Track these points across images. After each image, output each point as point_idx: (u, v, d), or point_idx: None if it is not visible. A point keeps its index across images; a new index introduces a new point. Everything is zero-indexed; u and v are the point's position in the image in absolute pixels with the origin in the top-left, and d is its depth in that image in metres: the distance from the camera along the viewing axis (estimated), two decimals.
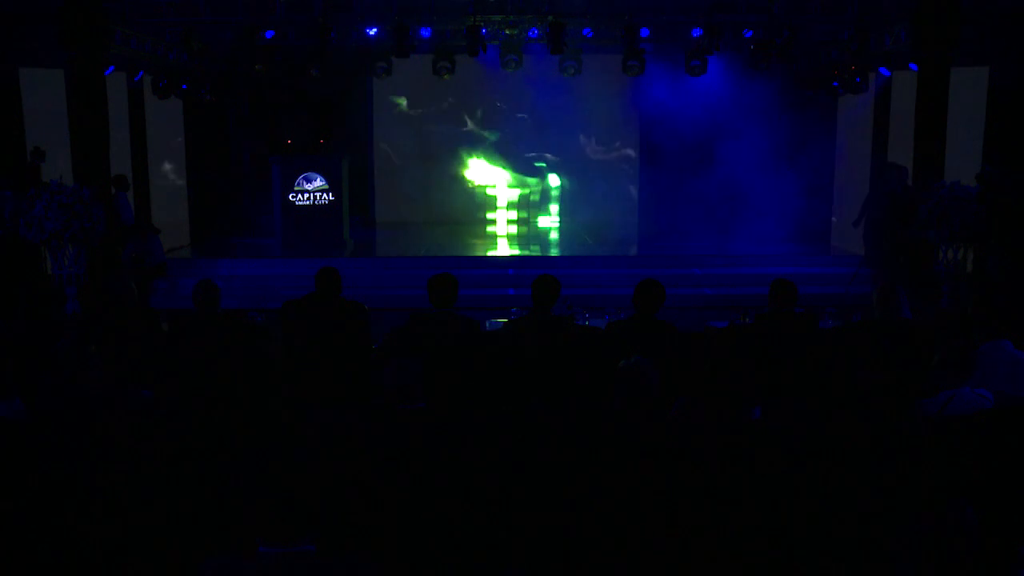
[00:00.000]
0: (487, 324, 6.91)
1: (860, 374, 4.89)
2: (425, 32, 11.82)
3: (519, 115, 15.64)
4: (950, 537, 2.60)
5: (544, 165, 15.43)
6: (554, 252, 13.38)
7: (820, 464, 3.73)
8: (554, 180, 15.18)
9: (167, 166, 13.89)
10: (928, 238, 10.10)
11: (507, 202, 15.15)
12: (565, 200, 16.02)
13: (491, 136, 15.87)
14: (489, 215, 15.30)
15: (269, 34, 11.72)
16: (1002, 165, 10.18)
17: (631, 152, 15.81)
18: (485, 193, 15.59)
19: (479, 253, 13.30)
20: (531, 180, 15.55)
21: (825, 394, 4.92)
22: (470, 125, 15.93)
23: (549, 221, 15.34)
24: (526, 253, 13.20)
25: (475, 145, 15.89)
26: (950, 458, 3.72)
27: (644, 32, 11.74)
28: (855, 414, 4.03)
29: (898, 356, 5.36)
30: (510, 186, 15.57)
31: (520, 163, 15.75)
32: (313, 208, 12.94)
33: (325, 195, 12.98)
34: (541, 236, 14.79)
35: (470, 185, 15.98)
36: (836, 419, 4.10)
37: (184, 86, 13.32)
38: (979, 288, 9.51)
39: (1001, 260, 9.61)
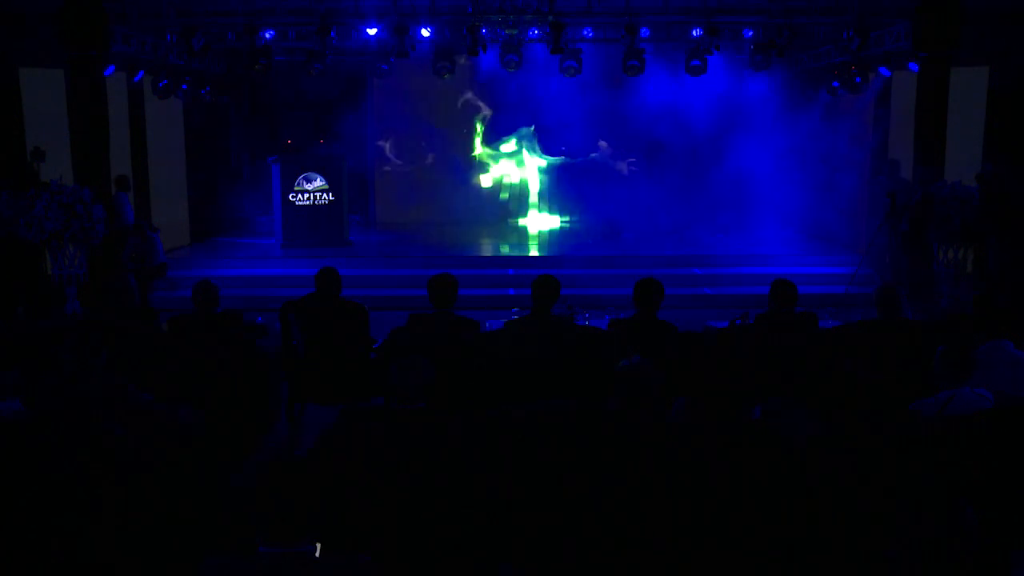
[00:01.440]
0: (487, 324, 6.91)
1: (860, 374, 4.90)
2: (425, 32, 11.82)
3: (518, 115, 15.64)
4: (950, 537, 2.60)
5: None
6: (554, 252, 13.37)
7: (820, 464, 3.73)
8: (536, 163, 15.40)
9: (167, 166, 13.88)
10: (928, 238, 10.11)
11: (510, 199, 15.37)
12: (563, 200, 16.07)
13: (490, 136, 15.87)
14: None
15: (269, 34, 11.72)
16: (1003, 164, 10.18)
17: (631, 152, 15.80)
18: (484, 190, 15.74)
19: (479, 253, 13.30)
20: (530, 178, 15.67)
21: (825, 394, 4.92)
22: (470, 125, 15.92)
23: (547, 218, 15.53)
24: (526, 253, 13.20)
25: (474, 145, 15.90)
26: (950, 458, 3.72)
27: (644, 32, 11.74)
28: (855, 414, 4.03)
29: (898, 356, 5.36)
30: (510, 184, 15.68)
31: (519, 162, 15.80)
32: (313, 208, 12.94)
33: (325, 195, 12.98)
34: (541, 236, 14.81)
35: (473, 184, 16.03)
36: (836, 419, 4.10)
37: (184, 86, 13.32)
38: (979, 288, 9.52)
39: (1001, 260, 9.62)
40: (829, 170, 14.09)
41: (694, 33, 11.91)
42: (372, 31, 11.58)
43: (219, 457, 5.00)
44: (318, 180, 12.95)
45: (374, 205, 16.14)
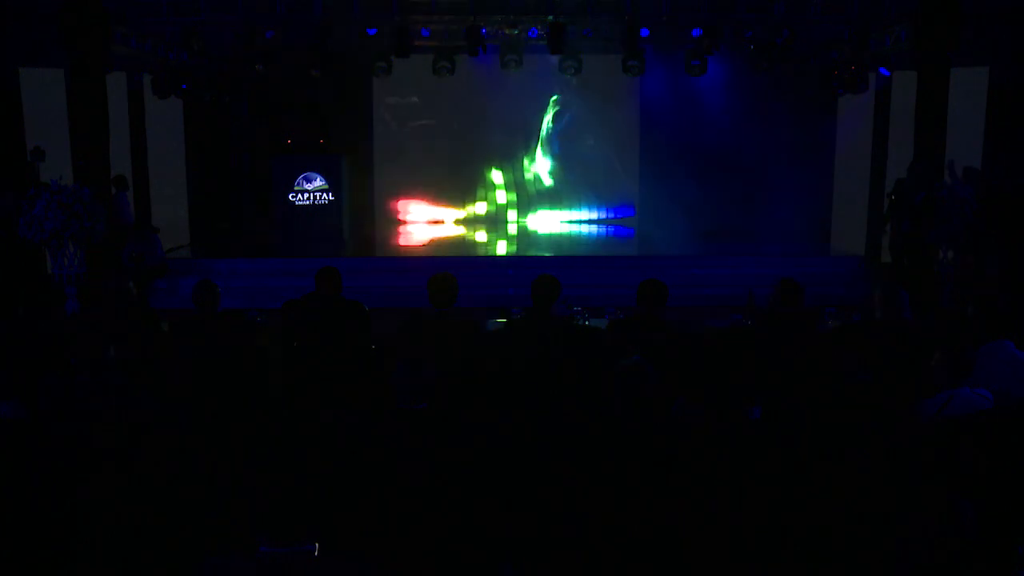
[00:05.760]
0: (487, 324, 6.91)
1: (860, 374, 4.90)
2: (425, 32, 11.83)
3: (518, 115, 15.65)
4: (950, 537, 2.60)
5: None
6: (554, 252, 13.38)
7: (820, 464, 3.73)
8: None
9: (167, 166, 13.88)
10: (929, 238, 10.11)
11: (506, 200, 15.37)
12: (563, 200, 16.10)
13: (490, 136, 15.87)
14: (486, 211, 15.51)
15: (269, 34, 11.72)
16: (1002, 165, 10.18)
17: (631, 152, 15.80)
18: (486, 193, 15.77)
19: (479, 253, 13.29)
20: (528, 179, 15.71)
21: (825, 394, 4.92)
22: (469, 125, 15.91)
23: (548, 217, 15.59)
24: (526, 253, 13.19)
25: (474, 145, 15.90)
26: (950, 458, 3.72)
27: (644, 32, 11.75)
28: (854, 414, 4.03)
29: (898, 356, 5.36)
30: (507, 185, 15.74)
31: (518, 161, 15.82)
32: (313, 208, 12.95)
33: (325, 195, 12.99)
34: (541, 236, 14.82)
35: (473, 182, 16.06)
36: (836, 419, 4.10)
37: (184, 86, 13.32)
38: (979, 288, 9.52)
39: (1000, 260, 9.62)
40: (829, 170, 14.10)
41: (694, 33, 11.92)
42: (372, 31, 11.58)
43: (219, 457, 4.99)
44: (318, 180, 12.97)
45: (374, 205, 16.14)
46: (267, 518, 2.55)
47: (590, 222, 15.91)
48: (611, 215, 15.96)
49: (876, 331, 5.63)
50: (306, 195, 12.93)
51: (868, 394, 4.81)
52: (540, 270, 6.15)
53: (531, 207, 15.86)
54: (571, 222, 15.92)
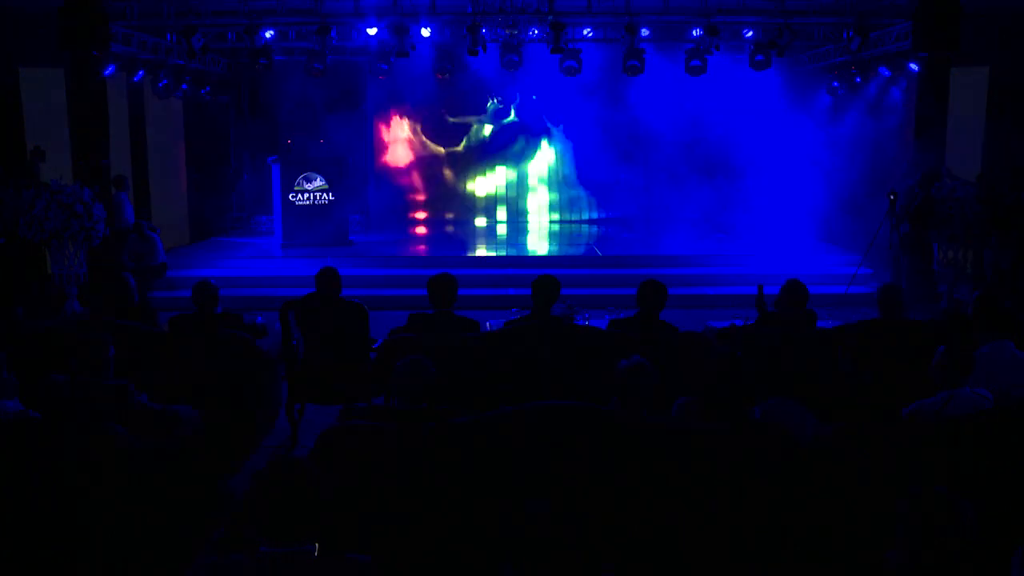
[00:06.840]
0: (487, 324, 6.91)
1: (860, 374, 4.90)
2: (425, 32, 11.83)
3: (518, 115, 15.66)
4: (950, 537, 2.60)
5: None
6: (554, 252, 13.38)
7: (819, 464, 3.73)
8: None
9: (167, 166, 13.88)
10: (928, 238, 10.11)
11: (505, 201, 15.46)
12: (564, 200, 16.10)
13: (489, 136, 15.88)
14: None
15: (269, 34, 11.72)
16: (1002, 166, 10.19)
17: (631, 152, 15.80)
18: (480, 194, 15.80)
19: (479, 253, 13.30)
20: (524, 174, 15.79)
21: (825, 394, 4.91)
22: (469, 125, 15.92)
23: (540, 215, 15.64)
24: (525, 253, 13.20)
25: (474, 145, 15.91)
26: (950, 458, 3.72)
27: (644, 32, 11.75)
28: (854, 414, 4.03)
29: (898, 356, 5.36)
30: (506, 184, 15.77)
31: (517, 159, 15.84)
32: (313, 208, 12.95)
33: (325, 195, 12.99)
34: (540, 235, 14.82)
35: (469, 186, 16.05)
36: (836, 419, 4.10)
37: (184, 86, 13.32)
38: (979, 288, 9.52)
39: (999, 260, 9.62)
40: (829, 169, 14.10)
41: (694, 33, 11.92)
42: (372, 31, 11.58)
43: (219, 457, 5.00)
44: (318, 180, 12.96)
45: (374, 205, 16.15)
46: (267, 518, 2.55)
47: (590, 222, 15.92)
48: (611, 215, 15.97)
49: (876, 331, 5.64)
50: (306, 195, 12.93)
51: (868, 394, 4.82)
52: (540, 270, 6.16)
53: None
54: (570, 221, 15.93)
